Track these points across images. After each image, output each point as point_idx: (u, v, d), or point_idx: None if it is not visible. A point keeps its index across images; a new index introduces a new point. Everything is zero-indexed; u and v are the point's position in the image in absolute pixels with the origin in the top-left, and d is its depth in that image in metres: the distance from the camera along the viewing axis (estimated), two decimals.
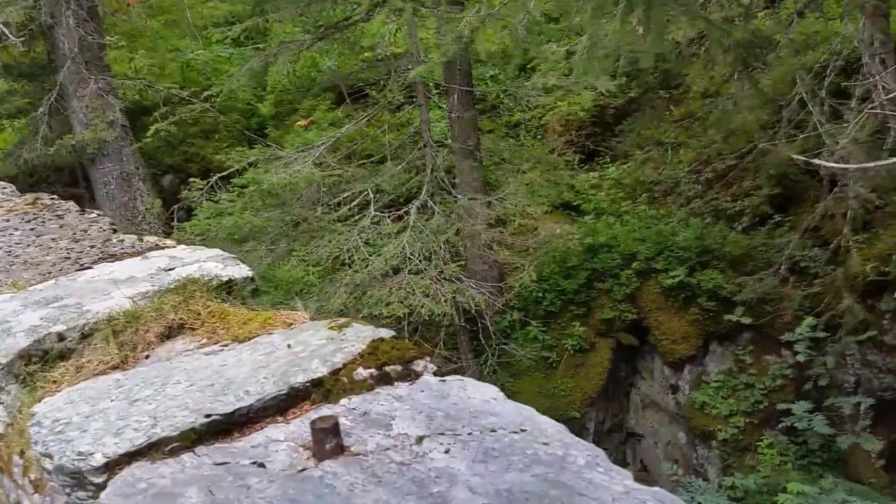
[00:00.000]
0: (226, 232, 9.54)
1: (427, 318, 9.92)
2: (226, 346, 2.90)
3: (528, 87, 12.67)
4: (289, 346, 2.75)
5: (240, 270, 3.41)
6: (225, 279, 3.35)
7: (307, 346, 2.71)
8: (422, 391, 2.42)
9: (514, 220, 10.49)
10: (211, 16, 17.18)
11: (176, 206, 11.75)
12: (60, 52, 12.96)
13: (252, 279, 3.31)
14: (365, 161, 11.26)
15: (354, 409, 2.35)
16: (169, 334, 3.05)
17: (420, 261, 9.89)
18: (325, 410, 2.36)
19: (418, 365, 2.54)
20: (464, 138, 11.27)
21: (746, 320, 10.92)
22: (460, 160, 11.37)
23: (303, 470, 2.10)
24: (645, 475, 13.15)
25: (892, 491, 10.11)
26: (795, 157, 8.85)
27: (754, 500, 10.29)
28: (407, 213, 10.30)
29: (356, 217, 10.09)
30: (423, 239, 10.09)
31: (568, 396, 12.06)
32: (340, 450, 2.14)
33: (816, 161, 8.14)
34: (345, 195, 10.20)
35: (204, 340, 2.98)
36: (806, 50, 11.18)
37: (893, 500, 9.71)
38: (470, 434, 2.18)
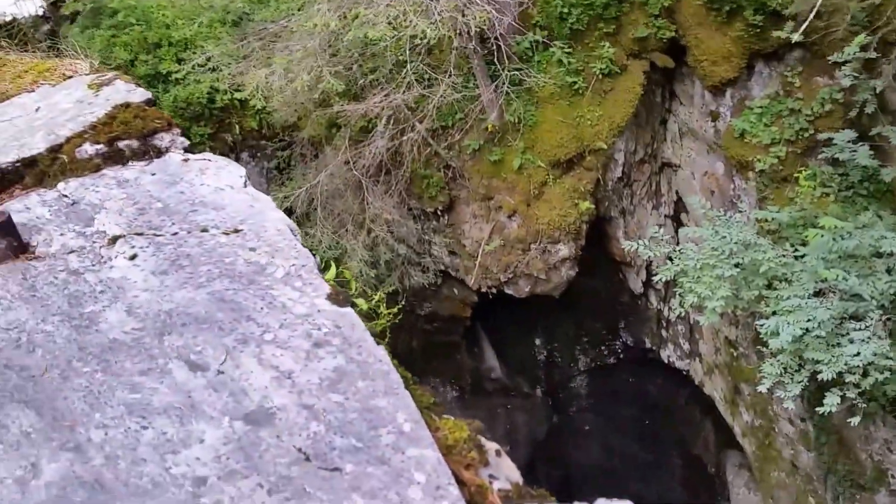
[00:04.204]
0: None
1: (428, 41, 9.26)
2: None
3: None
4: (37, 109, 2.41)
5: (29, 7, 2.96)
6: (9, 19, 2.94)
7: (53, 110, 2.37)
8: (153, 174, 2.09)
9: None
10: None
11: None
12: None
13: (47, 17, 2.88)
14: None
15: (67, 196, 2.06)
16: None
17: None
18: (34, 198, 2.06)
19: (163, 139, 2.19)
20: None
21: (797, 37, 9.89)
22: None
23: None
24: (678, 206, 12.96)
25: None
26: None
27: (786, 234, 10.02)
28: None
29: None
30: None
31: (594, 126, 11.53)
32: (17, 251, 1.88)
33: None
34: None
35: None
36: None
37: None
38: (175, 234, 1.88)
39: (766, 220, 10.16)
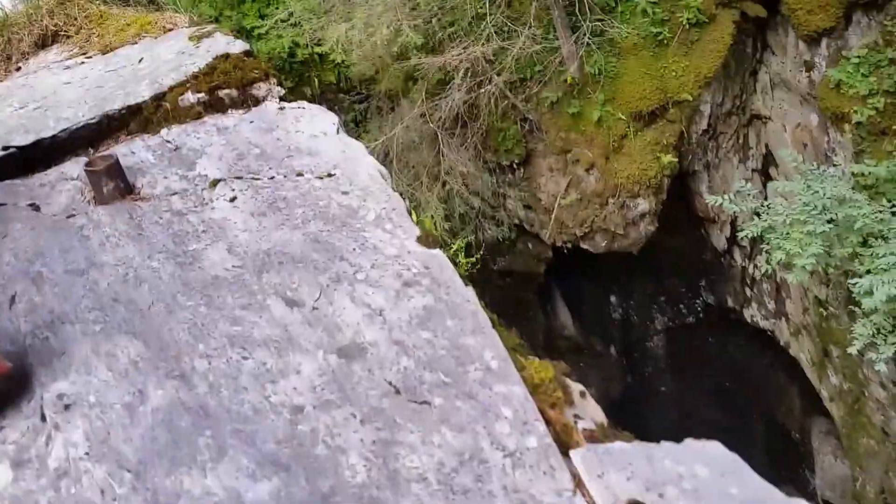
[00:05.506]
0: None
1: None
2: (89, 58, 2.72)
3: None
4: (140, 59, 2.54)
5: None
6: None
7: (156, 60, 2.49)
8: (251, 122, 2.20)
9: None
10: None
11: None
12: None
13: None
14: None
15: (169, 142, 2.18)
16: (44, 42, 2.89)
17: None
18: (138, 143, 2.20)
19: (260, 89, 2.29)
20: None
21: None
22: None
23: (71, 216, 2.00)
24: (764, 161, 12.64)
25: None
26: None
27: (884, 189, 9.70)
28: None
29: None
30: None
31: (680, 77, 11.29)
32: (123, 193, 2.01)
33: None
34: None
35: (75, 50, 2.81)
36: None
37: None
38: (272, 178, 1.99)
39: (863, 175, 9.81)
